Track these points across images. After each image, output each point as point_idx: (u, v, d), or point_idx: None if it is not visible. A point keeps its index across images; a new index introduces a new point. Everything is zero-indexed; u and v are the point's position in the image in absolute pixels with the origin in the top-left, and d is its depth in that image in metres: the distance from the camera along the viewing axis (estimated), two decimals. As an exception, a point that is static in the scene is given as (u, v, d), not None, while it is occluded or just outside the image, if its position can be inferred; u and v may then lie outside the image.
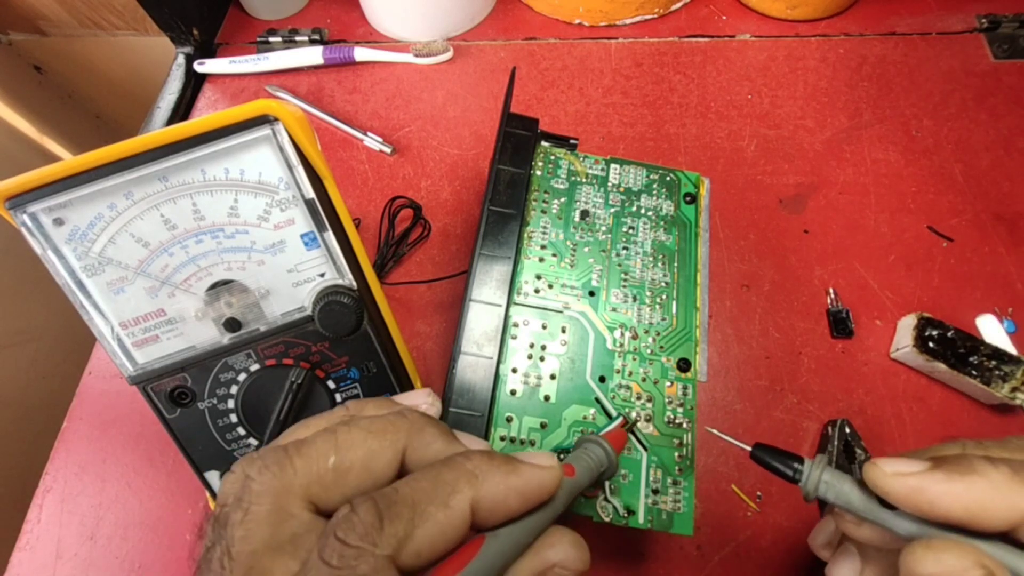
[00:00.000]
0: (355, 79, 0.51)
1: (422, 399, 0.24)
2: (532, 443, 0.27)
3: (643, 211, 0.32)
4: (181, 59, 0.52)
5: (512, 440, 0.27)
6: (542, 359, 0.29)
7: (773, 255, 0.41)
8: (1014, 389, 0.33)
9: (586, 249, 0.31)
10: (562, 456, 0.24)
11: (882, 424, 0.36)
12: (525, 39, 0.52)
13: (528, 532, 0.18)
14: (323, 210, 0.26)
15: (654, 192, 0.32)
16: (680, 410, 0.28)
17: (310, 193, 0.26)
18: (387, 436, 0.18)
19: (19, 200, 0.23)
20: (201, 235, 0.26)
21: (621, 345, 0.29)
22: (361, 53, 0.50)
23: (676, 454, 0.28)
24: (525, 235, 0.30)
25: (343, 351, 0.29)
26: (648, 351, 0.29)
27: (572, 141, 0.33)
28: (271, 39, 0.53)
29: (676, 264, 0.31)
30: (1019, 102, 0.45)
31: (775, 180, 0.44)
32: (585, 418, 0.28)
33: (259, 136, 0.24)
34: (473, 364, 0.27)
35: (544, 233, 0.31)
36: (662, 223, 0.32)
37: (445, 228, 0.43)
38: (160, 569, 0.34)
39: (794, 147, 0.45)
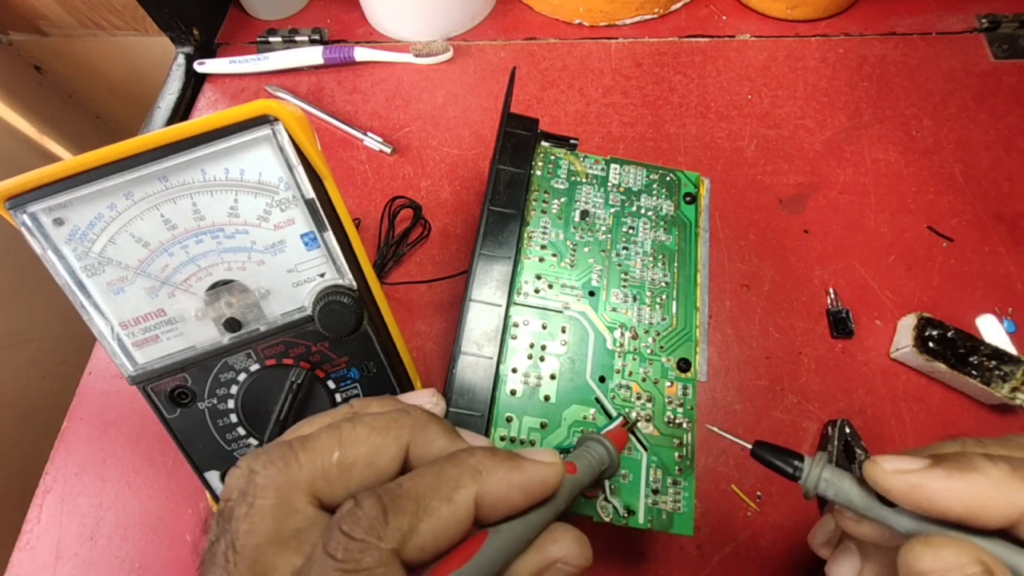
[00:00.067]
0: (355, 79, 0.51)
1: (426, 399, 0.24)
2: (532, 443, 0.27)
3: (643, 211, 0.32)
4: (181, 59, 0.52)
5: (512, 440, 0.27)
6: (542, 359, 0.29)
7: (773, 255, 0.41)
8: (1014, 389, 0.33)
9: (586, 249, 0.31)
10: (563, 455, 0.24)
11: (882, 424, 0.36)
12: (525, 39, 0.52)
13: (531, 528, 0.18)
14: (323, 210, 0.26)
15: (654, 192, 0.32)
16: (680, 410, 0.28)
17: (310, 193, 0.26)
18: (391, 432, 0.18)
19: (19, 200, 0.23)
20: (201, 235, 0.26)
21: (621, 345, 0.29)
22: (361, 53, 0.50)
23: (676, 454, 0.28)
24: (525, 235, 0.30)
25: (343, 351, 0.29)
26: (648, 351, 0.29)
27: (572, 141, 0.33)
28: (271, 39, 0.53)
29: (676, 264, 0.31)
30: (1019, 102, 0.45)
31: (775, 180, 0.44)
32: (585, 418, 0.28)
33: (259, 136, 0.24)
34: (473, 364, 0.27)
35: (544, 233, 0.31)
36: (662, 223, 0.32)
37: (445, 228, 0.43)
38: (160, 569, 0.34)
39: (794, 147, 0.45)
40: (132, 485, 0.37)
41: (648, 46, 0.51)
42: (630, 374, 0.29)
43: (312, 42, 0.53)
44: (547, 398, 0.28)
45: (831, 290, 0.39)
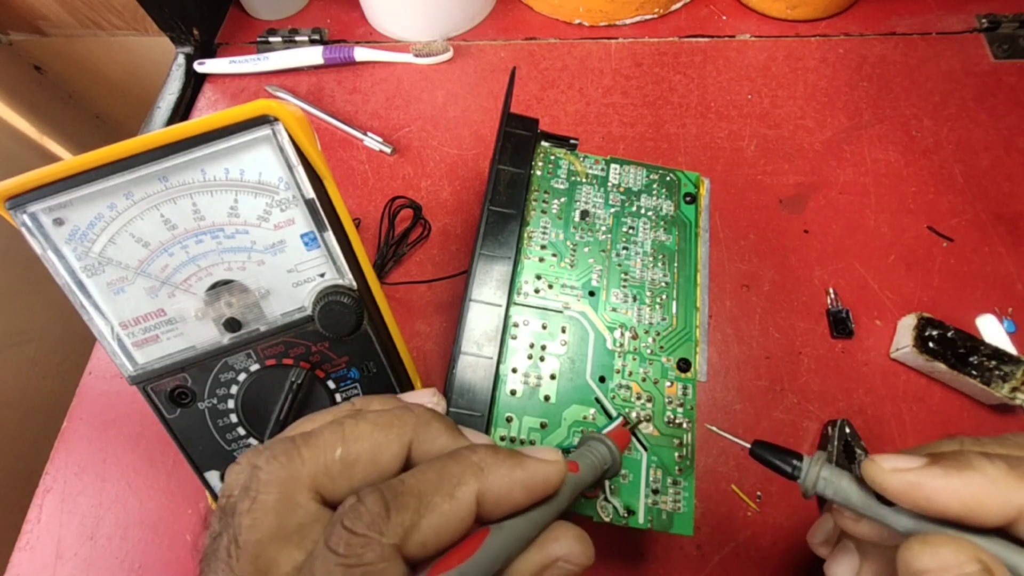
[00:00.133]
0: (355, 79, 0.51)
1: (428, 398, 0.24)
2: (532, 443, 0.27)
3: (643, 211, 0.32)
4: (181, 59, 0.52)
5: (512, 440, 0.27)
6: (542, 359, 0.29)
7: (773, 255, 0.41)
8: (1014, 389, 0.33)
9: (586, 249, 0.31)
10: (565, 454, 0.24)
11: (882, 424, 0.36)
12: (525, 39, 0.52)
13: (532, 526, 0.18)
14: (323, 210, 0.26)
15: (654, 192, 0.32)
16: (680, 410, 0.28)
17: (310, 193, 0.26)
18: (393, 429, 0.19)
19: (19, 200, 0.24)
20: (201, 235, 0.26)
21: (621, 345, 0.29)
22: (361, 53, 0.50)
23: (676, 454, 0.28)
24: (525, 235, 0.30)
25: (343, 351, 0.29)
26: (648, 351, 0.29)
27: (572, 141, 0.33)
28: (271, 39, 0.53)
29: (676, 264, 0.31)
30: (1019, 102, 0.45)
31: (775, 180, 0.44)
32: (585, 418, 0.28)
33: (259, 136, 0.24)
34: (473, 364, 0.27)
35: (544, 233, 0.31)
36: (662, 223, 0.32)
37: (445, 228, 0.43)
38: (160, 569, 0.34)
39: (794, 147, 0.45)
40: (132, 485, 0.37)
41: (648, 46, 0.51)
42: (630, 374, 0.29)
43: (312, 42, 0.53)
44: (547, 398, 0.28)
45: (831, 290, 0.39)
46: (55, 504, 0.36)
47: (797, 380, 0.37)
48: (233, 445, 0.29)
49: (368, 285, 0.29)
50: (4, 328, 0.67)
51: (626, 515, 0.26)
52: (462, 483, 0.17)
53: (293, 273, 0.27)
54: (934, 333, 0.35)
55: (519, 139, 0.31)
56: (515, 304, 0.29)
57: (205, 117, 0.24)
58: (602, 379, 0.28)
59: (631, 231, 0.31)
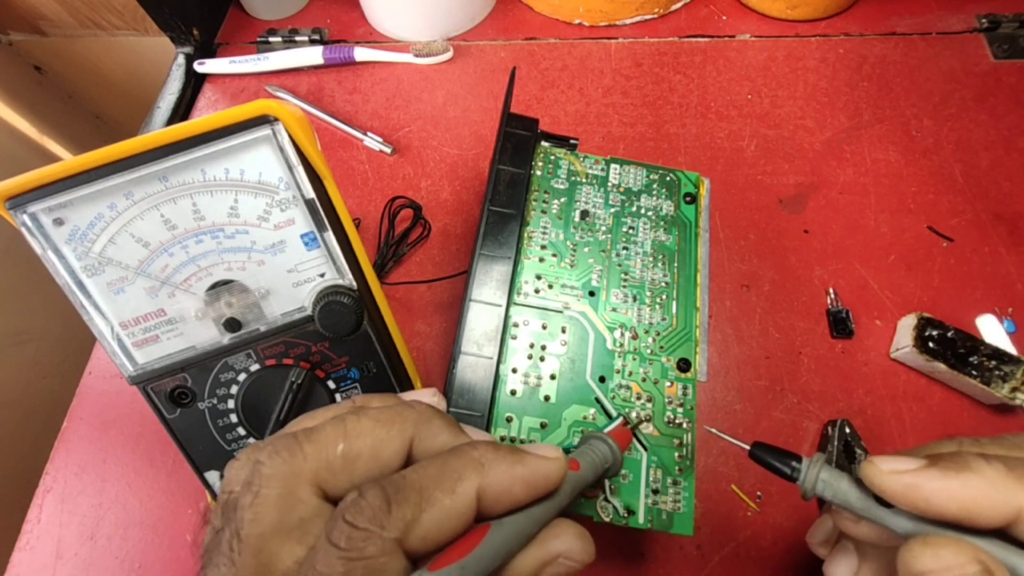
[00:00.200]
0: (355, 79, 0.51)
1: (428, 398, 0.24)
2: (532, 443, 0.27)
3: (643, 211, 0.32)
4: (181, 59, 0.52)
5: (512, 440, 0.27)
6: (542, 359, 0.29)
7: (773, 255, 0.41)
8: (1014, 389, 0.33)
9: (586, 249, 0.31)
10: (566, 453, 0.24)
11: (882, 424, 0.36)
12: (525, 39, 0.52)
13: (533, 522, 0.18)
14: (323, 210, 0.26)
15: (654, 192, 0.32)
16: (680, 410, 0.28)
17: (310, 193, 0.26)
18: (395, 425, 0.19)
19: (19, 200, 0.24)
20: (201, 235, 0.26)
21: (621, 345, 0.29)
22: (361, 53, 0.50)
23: (676, 454, 0.28)
24: (525, 235, 0.30)
25: (343, 351, 0.29)
26: (648, 351, 0.29)
27: (572, 141, 0.33)
28: (271, 39, 0.53)
29: (676, 264, 0.31)
30: (1019, 102, 0.45)
31: (775, 180, 0.44)
32: (585, 418, 0.28)
33: (259, 136, 0.24)
34: (473, 364, 0.27)
35: (544, 233, 0.31)
36: (662, 223, 0.32)
37: (445, 228, 0.43)
38: (160, 569, 0.34)
39: (794, 147, 0.45)
40: (132, 485, 0.37)
41: (648, 46, 0.51)
42: (630, 374, 0.29)
43: (312, 42, 0.53)
44: (547, 398, 0.28)
45: (831, 290, 0.39)
46: (55, 504, 0.36)
47: (797, 380, 0.37)
48: (233, 445, 0.29)
49: (368, 285, 0.29)
50: (4, 328, 0.67)
51: (626, 515, 0.26)
52: (463, 478, 0.17)
53: (293, 273, 0.27)
54: (934, 333, 0.35)
55: (519, 139, 0.31)
56: (515, 304, 0.29)
57: (205, 117, 0.24)
58: (602, 379, 0.28)
59: (631, 231, 0.31)
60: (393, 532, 0.15)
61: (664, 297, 0.30)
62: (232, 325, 0.27)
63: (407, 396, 0.24)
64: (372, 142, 0.47)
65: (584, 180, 0.32)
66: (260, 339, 0.28)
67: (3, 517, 0.44)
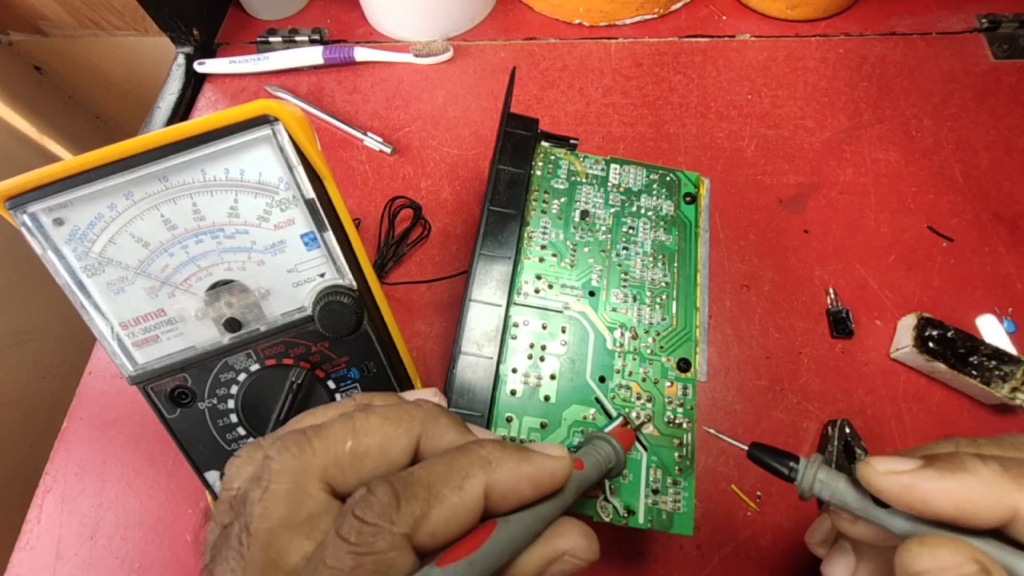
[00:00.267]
0: (355, 79, 0.51)
1: (429, 397, 0.24)
2: (533, 442, 0.27)
3: (643, 211, 0.32)
4: (181, 59, 0.52)
5: (512, 440, 0.27)
6: (542, 359, 0.29)
7: (773, 255, 0.41)
8: (1014, 389, 0.33)
9: (586, 249, 0.31)
10: (570, 453, 0.24)
11: (882, 424, 0.36)
12: (525, 39, 0.52)
13: (539, 520, 0.18)
14: (323, 210, 0.26)
15: (654, 192, 0.32)
16: (680, 410, 0.28)
17: (310, 193, 0.26)
18: (403, 423, 0.19)
19: (19, 200, 0.24)
20: (201, 235, 0.26)
21: (621, 345, 0.29)
22: (361, 53, 0.50)
23: (676, 454, 0.28)
24: (525, 235, 0.30)
25: (343, 351, 0.29)
26: (648, 351, 0.29)
27: (572, 141, 0.33)
28: (271, 39, 0.53)
29: (676, 264, 0.31)
30: (1019, 102, 0.45)
31: (775, 180, 0.44)
32: (585, 418, 0.28)
33: (259, 136, 0.24)
34: (473, 364, 0.27)
35: (544, 233, 0.31)
36: (662, 223, 0.32)
37: (445, 228, 0.43)
38: (160, 569, 0.34)
39: (794, 147, 0.45)
40: (132, 485, 0.37)
41: (648, 46, 0.51)
42: (630, 374, 0.29)
43: (312, 42, 0.53)
44: (547, 398, 0.28)
45: (831, 290, 0.39)
46: (55, 504, 0.36)
47: (797, 380, 0.37)
48: (233, 445, 0.29)
49: (368, 285, 0.29)
50: (4, 328, 0.67)
51: (626, 515, 0.26)
52: (470, 476, 0.17)
53: (293, 273, 0.27)
54: (934, 333, 0.35)
55: (519, 139, 0.31)
56: (515, 304, 0.29)
57: (205, 117, 0.24)
58: (602, 379, 0.28)
59: (631, 231, 0.31)
60: (403, 528, 0.16)
61: (664, 297, 0.30)
62: (232, 325, 0.27)
63: (408, 395, 0.25)
64: (372, 142, 0.47)
65: (584, 180, 0.32)
66: (260, 339, 0.28)
67: (3, 517, 0.44)
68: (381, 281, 0.41)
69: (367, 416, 0.19)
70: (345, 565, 0.15)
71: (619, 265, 0.31)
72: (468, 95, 0.49)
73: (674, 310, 0.30)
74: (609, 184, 0.32)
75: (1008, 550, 0.17)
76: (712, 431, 0.24)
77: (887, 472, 0.19)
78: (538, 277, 0.30)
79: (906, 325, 0.36)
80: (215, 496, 0.30)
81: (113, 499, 0.36)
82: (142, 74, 0.78)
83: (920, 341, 0.35)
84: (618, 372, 0.29)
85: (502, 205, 0.30)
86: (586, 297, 0.30)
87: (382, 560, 0.15)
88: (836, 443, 0.34)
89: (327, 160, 0.27)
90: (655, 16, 0.52)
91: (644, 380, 0.29)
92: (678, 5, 0.52)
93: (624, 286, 0.30)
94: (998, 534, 0.17)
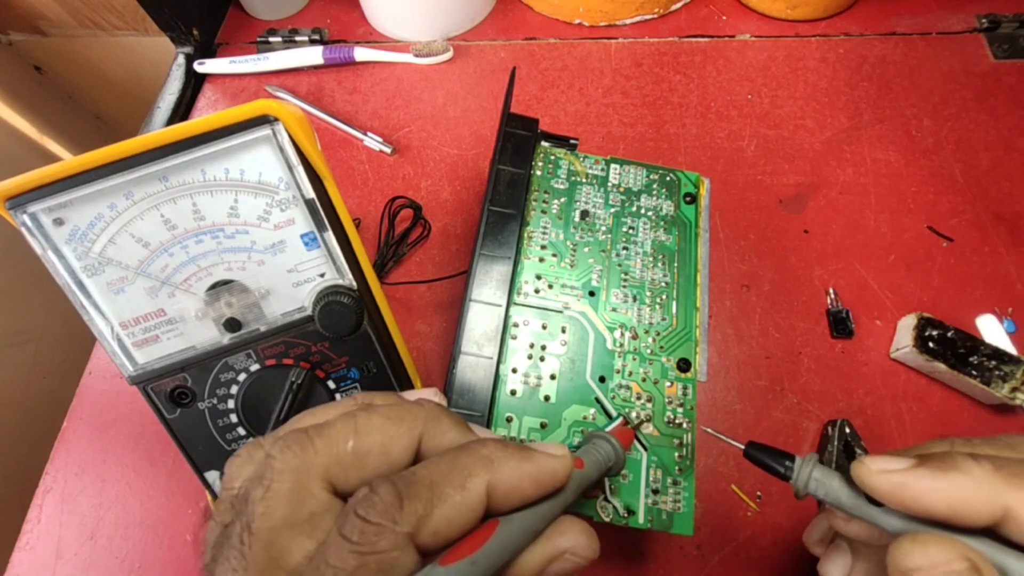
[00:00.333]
0: (355, 79, 0.51)
1: (429, 397, 0.24)
2: (534, 442, 0.27)
3: (643, 211, 0.32)
4: (181, 59, 0.52)
5: (512, 440, 0.27)
6: (542, 359, 0.29)
7: (773, 255, 0.41)
8: (1014, 389, 0.33)
9: (586, 249, 0.31)
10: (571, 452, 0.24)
11: (882, 424, 0.36)
12: (525, 39, 0.52)
13: (540, 518, 0.18)
14: (323, 210, 0.26)
15: (654, 192, 0.32)
16: (680, 410, 0.28)
17: (310, 193, 0.26)
18: (404, 423, 0.19)
19: (19, 200, 0.24)
20: (201, 235, 0.26)
21: (621, 345, 0.29)
22: (361, 53, 0.50)
23: (676, 454, 0.28)
24: (525, 235, 0.30)
25: (343, 351, 0.29)
26: (648, 351, 0.29)
27: (572, 141, 0.33)
28: (271, 39, 0.53)
29: (676, 264, 0.31)
30: (1019, 102, 0.45)
31: (775, 180, 0.44)
32: (585, 418, 0.28)
33: (259, 136, 0.24)
34: (473, 364, 0.27)
35: (544, 233, 0.31)
36: (662, 223, 0.32)
37: (445, 228, 0.43)
38: (160, 569, 0.34)
39: (794, 147, 0.45)
40: (132, 485, 0.37)
41: (648, 46, 0.51)
42: (630, 374, 0.29)
43: (312, 42, 0.53)
44: (547, 398, 0.28)
45: (831, 290, 0.39)
46: (55, 504, 0.36)
47: (797, 380, 0.37)
48: (233, 445, 0.29)
49: (368, 285, 0.29)
50: (4, 328, 0.67)
51: (626, 515, 0.26)
52: (473, 475, 0.17)
53: (293, 273, 0.27)
54: (934, 333, 0.35)
55: (519, 139, 0.31)
56: (515, 304, 0.29)
57: (205, 117, 0.24)
58: (602, 379, 0.28)
59: (631, 231, 0.31)
60: (405, 527, 0.16)
61: (664, 297, 0.30)
62: (232, 325, 0.27)
63: (409, 395, 0.25)
64: (372, 142, 0.47)
65: (584, 180, 0.32)
66: (260, 339, 0.28)
67: (3, 517, 0.44)
68: (381, 281, 0.41)
69: (369, 415, 0.19)
70: (348, 564, 0.15)
71: (619, 265, 0.31)
72: (468, 95, 0.49)
73: (674, 310, 0.30)
74: (609, 184, 0.32)
75: (999, 548, 0.17)
76: (709, 430, 0.25)
77: (880, 471, 0.19)
78: (538, 277, 0.30)
79: (906, 325, 0.36)
80: (215, 496, 0.30)
81: (113, 499, 0.36)
82: (142, 74, 0.78)
83: (920, 341, 0.35)
84: (618, 372, 0.29)
85: (502, 205, 0.30)
86: (586, 297, 0.30)
87: (385, 559, 0.15)
88: (836, 443, 0.34)
89: (327, 160, 0.27)
90: (655, 16, 0.52)
91: (644, 380, 0.29)
92: (678, 5, 0.52)
93: (624, 286, 0.30)
94: (990, 533, 0.18)
